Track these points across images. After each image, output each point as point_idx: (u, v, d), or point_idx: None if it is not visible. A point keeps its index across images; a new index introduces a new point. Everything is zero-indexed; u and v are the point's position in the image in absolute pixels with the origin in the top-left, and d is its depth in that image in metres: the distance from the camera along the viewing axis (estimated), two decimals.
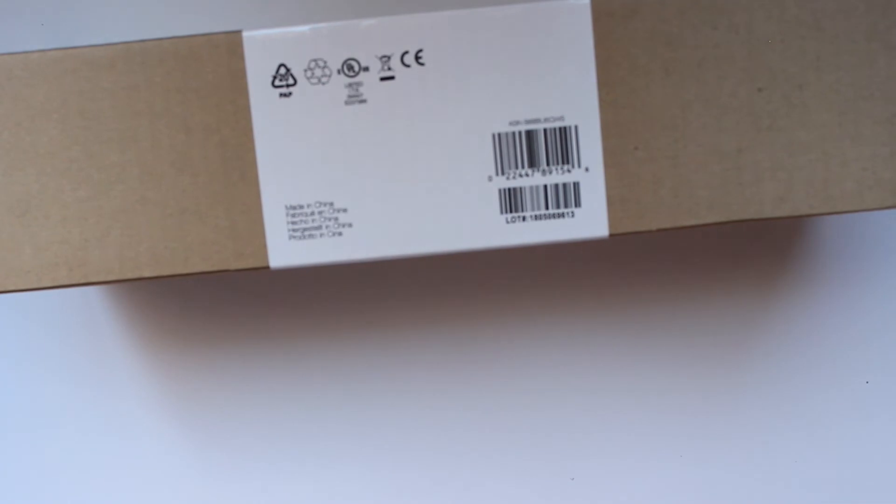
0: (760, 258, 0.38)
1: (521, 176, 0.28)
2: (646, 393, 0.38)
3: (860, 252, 0.37)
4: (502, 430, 0.38)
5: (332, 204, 0.29)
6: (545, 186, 0.28)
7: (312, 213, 0.29)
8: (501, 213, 0.29)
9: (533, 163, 0.28)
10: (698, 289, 0.38)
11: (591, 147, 0.28)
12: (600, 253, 0.38)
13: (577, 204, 0.29)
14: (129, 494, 0.39)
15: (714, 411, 0.38)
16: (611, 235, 0.29)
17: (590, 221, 0.29)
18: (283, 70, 0.28)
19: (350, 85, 0.28)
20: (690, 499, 0.38)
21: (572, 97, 0.28)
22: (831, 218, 0.37)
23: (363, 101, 0.28)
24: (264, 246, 0.29)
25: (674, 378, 0.38)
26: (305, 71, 0.28)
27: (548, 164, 0.28)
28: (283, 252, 0.29)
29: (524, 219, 0.29)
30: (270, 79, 0.28)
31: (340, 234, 0.29)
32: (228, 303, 0.38)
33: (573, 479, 0.38)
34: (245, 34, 0.28)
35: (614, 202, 0.29)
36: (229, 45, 0.28)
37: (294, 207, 0.29)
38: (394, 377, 0.38)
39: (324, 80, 0.28)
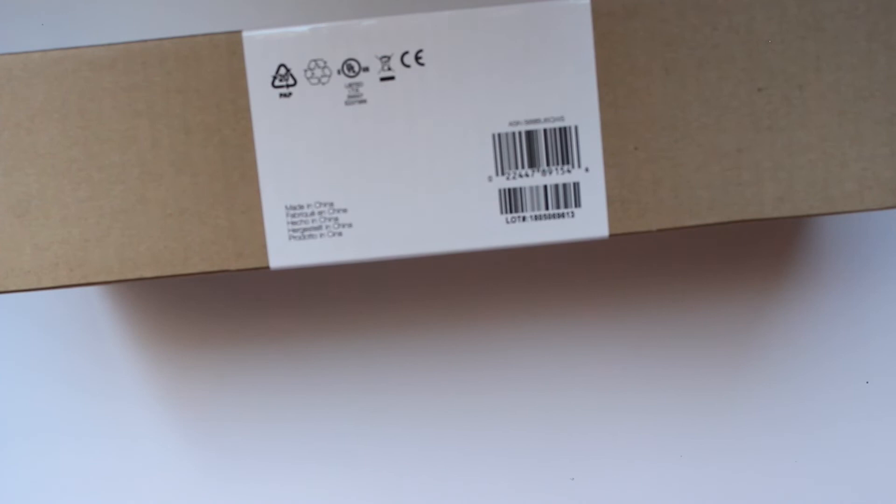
0: (760, 258, 0.38)
1: (521, 176, 0.28)
2: (646, 393, 0.38)
3: (860, 252, 0.37)
4: (502, 429, 0.38)
5: (332, 204, 0.29)
6: (545, 186, 0.28)
7: (312, 214, 0.29)
8: (501, 213, 0.29)
9: (533, 163, 0.28)
10: (698, 289, 0.38)
11: (591, 147, 0.28)
12: (600, 253, 0.38)
13: (577, 204, 0.29)
14: (129, 495, 0.39)
15: (714, 411, 0.38)
16: (611, 235, 0.29)
17: (590, 221, 0.29)
18: (283, 70, 0.28)
19: (350, 85, 0.28)
20: (690, 499, 0.38)
21: (572, 97, 0.28)
22: (831, 218, 0.37)
23: (363, 101, 0.28)
24: (264, 246, 0.29)
25: (674, 378, 0.38)
26: (305, 71, 0.28)
27: (548, 164, 0.28)
28: (283, 252, 0.29)
29: (524, 219, 0.29)
30: (270, 79, 0.28)
31: (340, 234, 0.29)
32: (228, 303, 0.38)
33: (573, 479, 0.38)
34: (245, 34, 0.28)
35: (614, 202, 0.29)
36: (229, 45, 0.28)
37: (294, 207, 0.29)
38: (393, 377, 0.38)
39: (324, 80, 0.28)
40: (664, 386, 0.38)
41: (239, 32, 0.28)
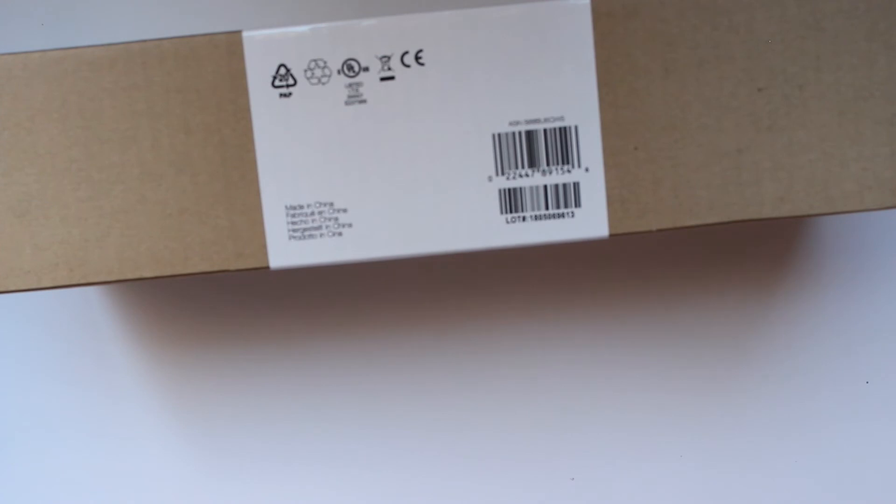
0: (760, 258, 0.38)
1: (521, 176, 0.28)
2: (646, 393, 0.38)
3: (860, 252, 0.37)
4: (502, 429, 0.38)
5: (332, 204, 0.29)
6: (545, 186, 0.28)
7: (312, 214, 0.29)
8: (501, 213, 0.29)
9: (533, 163, 0.28)
10: (698, 289, 0.38)
11: (591, 147, 0.28)
12: (600, 253, 0.38)
13: (577, 204, 0.29)
14: (129, 495, 0.39)
15: (714, 411, 0.38)
16: (611, 235, 0.29)
17: (590, 221, 0.29)
18: (283, 70, 0.28)
19: (350, 85, 0.28)
20: (690, 499, 0.38)
21: (572, 97, 0.28)
22: (831, 218, 0.37)
23: (363, 102, 0.28)
24: (264, 246, 0.29)
25: (674, 378, 0.38)
26: (305, 71, 0.28)
27: (548, 164, 0.28)
28: (283, 252, 0.29)
29: (524, 219, 0.29)
30: (270, 79, 0.28)
31: (340, 234, 0.29)
32: (228, 303, 0.38)
33: (573, 479, 0.38)
34: (245, 34, 0.28)
35: (614, 202, 0.29)
36: (229, 45, 0.28)
37: (294, 207, 0.29)
38: (393, 377, 0.38)
39: (324, 80, 0.28)
40: (664, 386, 0.38)
41: (239, 32, 0.28)
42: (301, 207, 0.29)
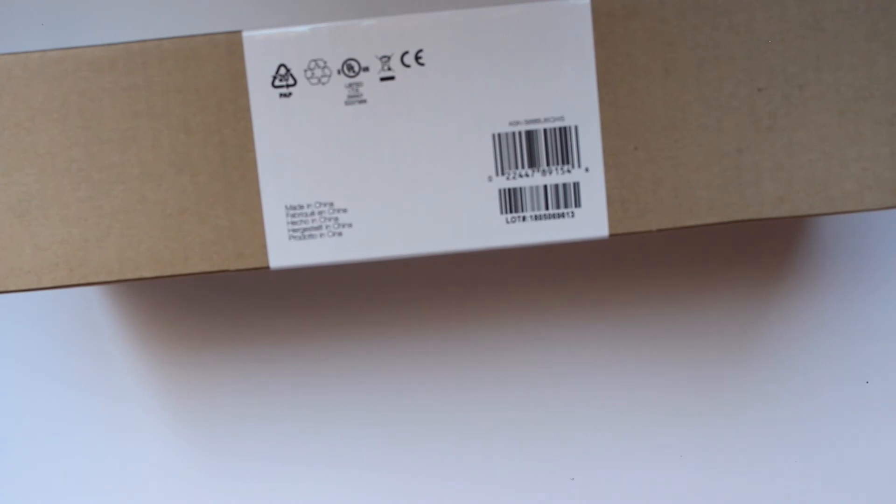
0: (760, 258, 0.38)
1: (521, 176, 0.28)
2: (646, 393, 0.38)
3: (860, 252, 0.37)
4: (502, 429, 0.38)
5: (332, 204, 0.29)
6: (545, 186, 0.28)
7: (312, 214, 0.29)
8: (501, 213, 0.29)
9: (533, 163, 0.28)
10: (698, 289, 0.38)
11: (591, 147, 0.28)
12: (600, 253, 0.38)
13: (577, 204, 0.29)
14: (129, 495, 0.39)
15: (714, 411, 0.38)
16: (611, 235, 0.29)
17: (590, 221, 0.29)
18: (283, 70, 0.28)
19: (350, 85, 0.28)
20: (690, 499, 0.38)
21: (572, 97, 0.28)
22: (831, 218, 0.37)
23: (363, 102, 0.28)
24: (264, 246, 0.29)
25: (674, 378, 0.38)
26: (305, 71, 0.28)
27: (548, 164, 0.28)
28: (283, 252, 0.29)
29: (524, 219, 0.29)
30: (270, 79, 0.28)
31: (340, 234, 0.29)
32: (228, 303, 0.38)
33: (573, 479, 0.38)
34: (245, 34, 0.28)
35: (614, 202, 0.29)
36: (229, 45, 0.28)
37: (294, 207, 0.29)
38: (394, 377, 0.38)
39: (324, 80, 0.28)
40: (664, 386, 0.38)
41: (239, 32, 0.28)
42: (301, 207, 0.29)
